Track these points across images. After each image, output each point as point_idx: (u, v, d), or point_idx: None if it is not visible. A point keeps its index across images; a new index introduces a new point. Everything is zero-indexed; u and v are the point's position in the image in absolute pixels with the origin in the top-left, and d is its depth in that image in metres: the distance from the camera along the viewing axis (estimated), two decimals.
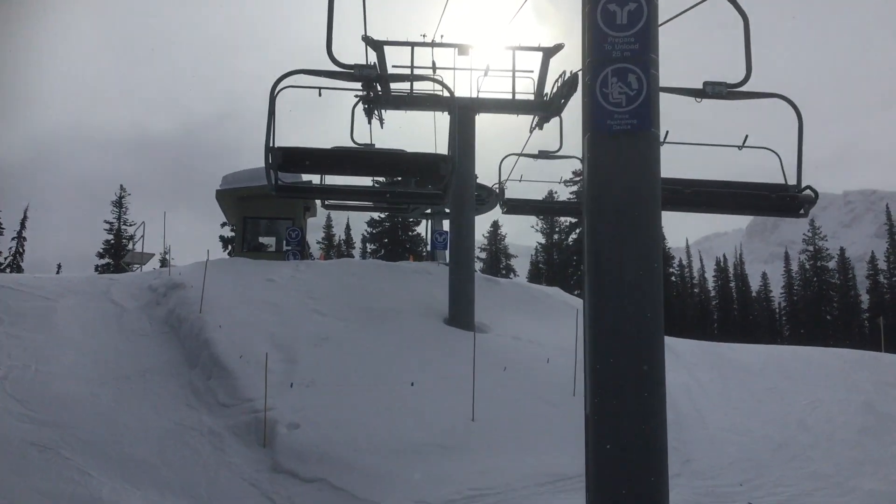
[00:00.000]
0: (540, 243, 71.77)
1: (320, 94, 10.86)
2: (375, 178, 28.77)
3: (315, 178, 15.74)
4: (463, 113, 16.10)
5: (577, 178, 66.58)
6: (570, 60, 15.67)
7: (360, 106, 16.33)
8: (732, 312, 76.89)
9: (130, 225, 50.81)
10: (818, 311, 72.36)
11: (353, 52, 13.18)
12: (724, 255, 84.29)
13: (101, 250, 49.03)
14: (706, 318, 75.76)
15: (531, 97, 16.87)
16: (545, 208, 32.24)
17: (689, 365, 18.95)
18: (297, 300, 15.64)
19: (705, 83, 10.57)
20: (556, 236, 72.18)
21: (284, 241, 21.43)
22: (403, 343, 13.76)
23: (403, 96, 16.42)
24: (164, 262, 50.70)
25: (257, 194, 21.81)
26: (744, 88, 10.52)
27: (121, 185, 52.23)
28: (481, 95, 16.69)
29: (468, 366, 12.17)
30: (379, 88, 12.46)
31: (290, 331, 13.79)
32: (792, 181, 11.88)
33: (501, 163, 18.09)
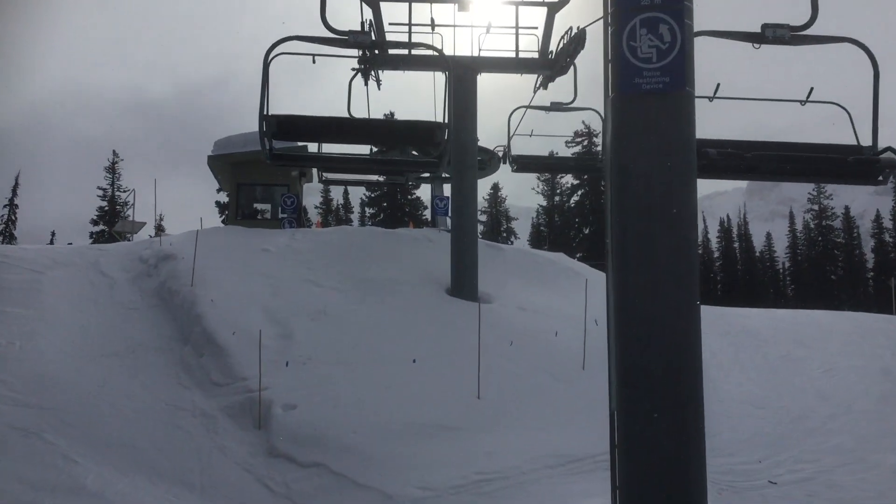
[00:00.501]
0: (541, 205, 71.10)
1: (314, 62, 10.70)
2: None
3: (313, 147, 15.36)
4: (464, 73, 15.40)
5: (580, 139, 65.87)
6: (576, 16, 14.84)
7: (358, 75, 15.68)
8: (736, 273, 76.51)
9: (124, 191, 50.18)
10: (823, 272, 71.99)
11: (349, 17, 12.47)
12: (727, 216, 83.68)
13: (95, 217, 48.43)
14: (709, 279, 75.37)
15: (535, 55, 16.13)
16: (558, 165, 30.40)
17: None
18: (293, 271, 15.08)
19: (765, 25, 9.27)
20: (557, 198, 71.52)
21: (280, 209, 20.80)
22: (404, 316, 13.23)
23: (401, 56, 15.71)
24: (160, 230, 50.30)
25: (251, 160, 21.14)
26: (809, 32, 9.16)
27: (113, 151, 51.46)
28: (483, 54, 15.96)
29: (472, 339, 11.66)
30: (375, 51, 12.04)
31: (286, 304, 13.26)
32: (865, 142, 10.55)
33: (511, 116, 17.58)
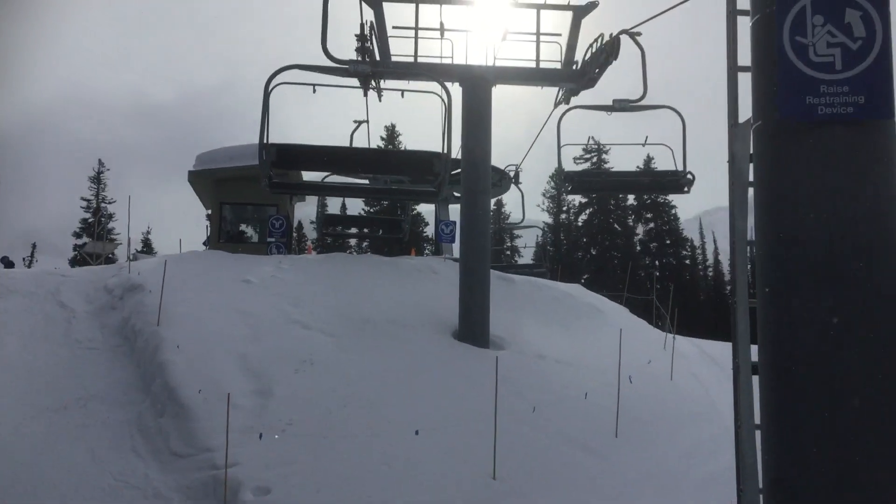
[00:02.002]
0: (546, 223, 69.40)
1: (314, 91, 10.76)
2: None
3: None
4: (477, 84, 13.76)
5: (588, 156, 64.26)
6: (606, 22, 13.22)
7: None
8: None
9: (110, 202, 48.41)
10: None
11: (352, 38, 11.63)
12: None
13: (78, 230, 46.50)
14: (723, 302, 73.50)
15: (558, 66, 14.48)
16: (628, 184, 21.52)
17: (728, 372, 16.77)
18: (277, 308, 13.35)
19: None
20: (563, 216, 69.88)
21: (268, 231, 19.06)
22: (406, 368, 11.47)
23: (406, 65, 14.09)
24: (145, 247, 48.44)
25: (236, 176, 19.51)
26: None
27: (99, 160, 49.72)
28: (498, 63, 14.32)
29: (485, 399, 9.92)
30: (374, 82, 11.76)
31: (266, 350, 11.51)
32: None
33: (560, 120, 15.64)
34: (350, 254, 20.47)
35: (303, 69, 10.06)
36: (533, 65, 14.29)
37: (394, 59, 14.17)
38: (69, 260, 44.82)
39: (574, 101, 14.69)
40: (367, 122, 15.39)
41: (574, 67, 14.06)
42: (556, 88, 15.01)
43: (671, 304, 17.56)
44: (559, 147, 15.69)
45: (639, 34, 12.87)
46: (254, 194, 19.97)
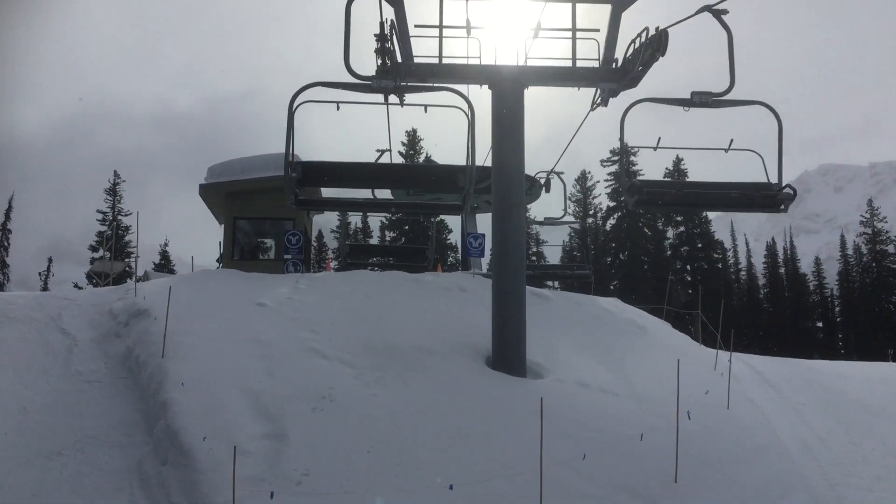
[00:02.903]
0: (573, 227, 68.10)
1: (338, 108, 10.68)
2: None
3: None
4: (508, 87, 12.69)
5: (616, 158, 62.91)
6: (649, 15, 12.06)
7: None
8: (783, 301, 72.84)
9: (126, 215, 47.80)
10: (878, 301, 68.22)
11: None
12: (773, 239, 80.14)
13: (94, 243, 45.83)
14: (757, 307, 71.88)
15: (596, 64, 13.37)
16: (713, 199, 13.60)
17: (790, 400, 15.55)
18: (293, 335, 12.33)
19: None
20: (590, 220, 68.60)
21: (284, 247, 18.05)
22: (435, 404, 10.37)
23: (429, 67, 13.07)
24: (163, 265, 47.68)
25: (250, 189, 18.59)
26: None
27: (115, 171, 49.14)
28: (529, 62, 13.24)
29: (526, 440, 8.90)
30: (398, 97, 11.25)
31: (280, 385, 10.47)
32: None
33: (625, 115, 12.22)
34: (372, 270, 19.40)
35: (326, 86, 10.08)
36: (568, 63, 13.19)
37: (416, 60, 13.15)
38: (86, 273, 44.26)
39: (629, 95, 13.38)
40: (390, 150, 14.80)
41: (614, 65, 12.94)
42: (593, 89, 13.90)
43: (721, 320, 16.34)
44: (623, 151, 13.36)
45: (725, 12, 11.27)
46: (269, 208, 19.05)
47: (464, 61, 13.18)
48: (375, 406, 10.12)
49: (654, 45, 11.35)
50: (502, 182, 12.47)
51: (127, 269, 21.93)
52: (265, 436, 9.22)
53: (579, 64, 13.27)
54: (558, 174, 20.86)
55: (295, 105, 10.07)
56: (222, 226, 19.44)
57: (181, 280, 15.49)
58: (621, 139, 12.39)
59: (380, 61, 12.52)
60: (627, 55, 12.56)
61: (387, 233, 56.55)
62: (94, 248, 45.59)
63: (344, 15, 10.19)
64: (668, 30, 11.02)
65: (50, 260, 49.69)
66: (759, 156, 12.59)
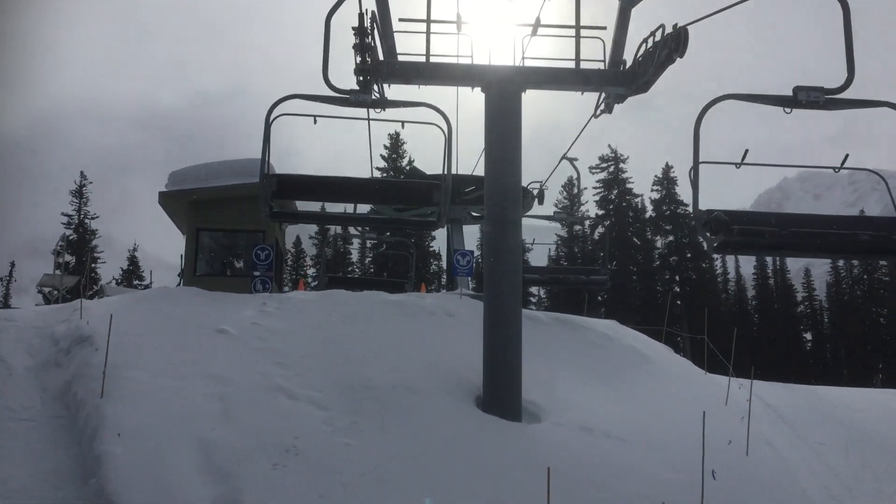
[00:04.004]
0: (559, 235, 66.93)
1: (315, 122, 10.56)
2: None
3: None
4: (505, 89, 11.40)
5: (604, 164, 61.96)
6: (662, 13, 10.74)
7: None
8: (772, 311, 71.99)
9: (92, 218, 45.97)
10: (868, 314, 67.59)
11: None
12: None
13: (59, 247, 43.75)
14: (745, 317, 71.01)
15: (602, 66, 12.11)
16: (833, 242, 9.34)
17: (808, 439, 14.37)
18: (257, 369, 10.93)
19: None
20: (577, 227, 67.44)
21: (252, 263, 16.58)
22: (416, 457, 9.02)
23: (415, 66, 11.79)
24: (132, 271, 45.77)
25: (214, 198, 17.15)
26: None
27: (81, 172, 47.27)
28: (527, 63, 11.98)
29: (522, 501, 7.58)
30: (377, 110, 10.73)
31: (238, 434, 9.08)
32: None
33: (702, 119, 8.79)
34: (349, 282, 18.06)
35: (304, 98, 10.16)
36: (570, 65, 11.93)
37: (401, 58, 11.85)
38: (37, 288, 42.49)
39: (637, 101, 12.15)
40: (371, 162, 14.98)
41: (622, 68, 11.70)
42: (597, 94, 12.66)
43: (734, 346, 15.17)
44: (696, 166, 8.97)
45: None
46: (236, 219, 17.62)
47: (454, 60, 11.90)
48: (347, 460, 8.75)
49: (672, 45, 10.09)
50: (496, 197, 11.17)
51: (90, 283, 20.41)
52: (216, 500, 7.84)
53: (583, 65, 12.01)
54: (570, 160, 18.98)
55: (272, 117, 10.08)
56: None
57: (134, 300, 14.07)
58: (696, 153, 8.88)
59: (359, 58, 11.22)
60: (638, 56, 11.32)
61: (367, 241, 55.11)
62: (57, 253, 43.64)
63: (324, 26, 9.81)
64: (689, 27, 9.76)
65: (12, 264, 47.83)
66: (883, 179, 10.27)
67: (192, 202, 17.34)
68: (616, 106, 12.53)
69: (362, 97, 10.17)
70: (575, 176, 23.91)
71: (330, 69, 10.08)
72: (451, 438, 9.60)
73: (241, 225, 17.90)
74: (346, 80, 10.75)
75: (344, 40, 10.50)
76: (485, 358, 10.91)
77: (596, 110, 13.21)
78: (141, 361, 10.75)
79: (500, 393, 10.60)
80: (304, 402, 10.08)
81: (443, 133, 10.47)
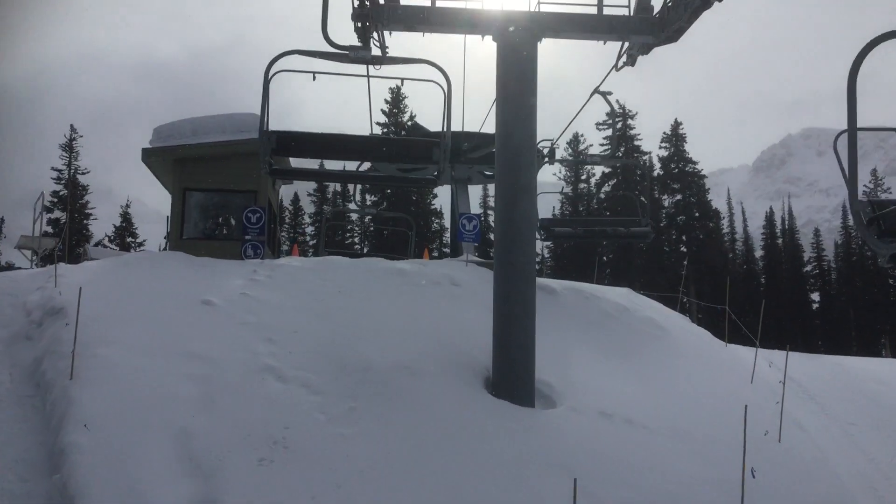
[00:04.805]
0: (564, 194, 65.81)
1: (314, 79, 10.62)
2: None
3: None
4: (518, 38, 10.32)
5: (610, 122, 60.48)
6: None
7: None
8: (781, 274, 71.16)
9: (83, 173, 44.81)
10: (881, 276, 66.71)
11: None
12: (770, 208, 78.22)
13: (48, 203, 42.62)
14: (753, 277, 70.27)
15: (625, 11, 11.00)
16: None
17: (839, 419, 13.57)
18: (244, 346, 10.03)
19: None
20: (582, 185, 66.30)
21: (243, 226, 15.53)
22: (420, 451, 8.15)
23: (419, 10, 10.71)
24: (125, 228, 44.47)
25: (203, 155, 16.09)
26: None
27: (71, 125, 46.02)
28: (543, 8, 10.84)
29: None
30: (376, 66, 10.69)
31: (220, 423, 8.20)
32: None
33: (856, 71, 6.43)
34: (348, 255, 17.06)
35: (302, 54, 10.10)
36: (592, 10, 10.82)
37: (402, 2, 10.73)
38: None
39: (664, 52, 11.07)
40: (371, 118, 14.37)
41: (652, 15, 10.60)
42: (619, 44, 11.58)
43: (762, 318, 14.30)
44: (851, 133, 6.60)
45: None
46: (226, 178, 16.54)
47: (462, 5, 10.79)
48: (343, 455, 7.88)
49: None
50: (509, 158, 10.16)
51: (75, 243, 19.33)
52: (191, 499, 6.99)
53: (605, 11, 10.90)
54: (604, 94, 15.71)
55: (270, 74, 10.04)
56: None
57: (113, 266, 13.12)
58: (851, 116, 6.54)
59: (356, 2, 10.18)
60: (668, 2, 10.24)
61: (367, 196, 54.03)
62: (48, 209, 42.57)
63: None
64: None
65: (1, 220, 46.84)
66: None
67: (178, 160, 16.24)
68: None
69: (361, 53, 10.05)
70: (609, 111, 21.51)
71: (330, 26, 9.97)
72: (458, 429, 8.71)
73: (231, 185, 16.83)
74: (347, 37, 10.50)
75: None
76: (495, 336, 9.99)
77: (618, 62, 12.13)
78: (115, 337, 9.84)
79: (512, 375, 9.69)
80: (295, 385, 9.19)
81: (442, 91, 10.28)
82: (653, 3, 10.79)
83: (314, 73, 10.53)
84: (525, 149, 10.10)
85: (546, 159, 18.24)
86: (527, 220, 10.08)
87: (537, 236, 14.83)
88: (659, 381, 11.57)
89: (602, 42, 11.03)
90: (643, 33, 10.60)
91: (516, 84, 10.27)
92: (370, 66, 10.66)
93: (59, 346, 9.85)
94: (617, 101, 57.95)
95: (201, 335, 10.22)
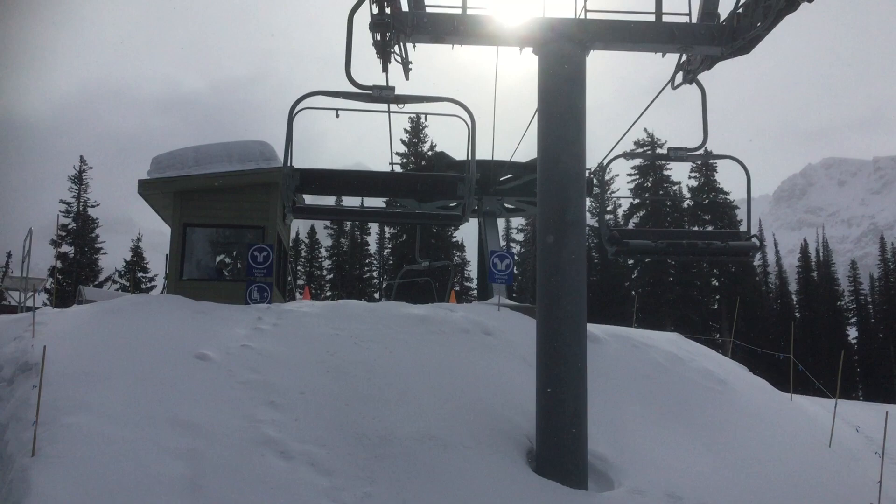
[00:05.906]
0: (589, 226, 64.16)
1: (338, 116, 10.48)
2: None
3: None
4: (564, 51, 8.96)
5: (639, 150, 59.05)
6: None
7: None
8: (817, 309, 68.85)
9: (93, 206, 43.87)
10: None
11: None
12: (805, 240, 76.13)
13: (56, 237, 41.57)
14: (788, 312, 68.00)
15: (686, 19, 9.61)
16: None
17: None
18: (242, 412, 8.60)
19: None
20: (608, 217, 64.66)
21: (248, 266, 14.12)
22: None
23: (447, 18, 9.41)
24: (135, 262, 43.40)
25: (205, 187, 14.77)
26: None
27: (80, 157, 45.13)
28: (590, 16, 9.48)
29: None
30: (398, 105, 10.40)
31: None
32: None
33: None
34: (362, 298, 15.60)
35: (327, 95, 10.11)
36: (651, 18, 9.45)
37: (429, 10, 9.43)
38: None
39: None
40: (391, 158, 13.97)
41: (719, 22, 9.22)
42: (677, 56, 10.23)
43: (840, 370, 12.78)
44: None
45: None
46: (231, 212, 15.21)
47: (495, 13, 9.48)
48: None
49: None
50: (554, 189, 8.76)
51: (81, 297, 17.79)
52: None
53: (664, 18, 9.53)
54: (698, 83, 12.54)
55: (295, 112, 10.07)
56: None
57: (101, 312, 11.77)
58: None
59: (376, 10, 8.90)
60: (738, 8, 8.88)
61: (386, 230, 52.75)
62: (55, 243, 41.52)
63: (346, 23, 9.48)
64: None
65: (9, 255, 45.98)
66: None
67: (178, 192, 14.90)
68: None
69: (385, 93, 9.91)
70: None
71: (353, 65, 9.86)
72: None
73: (236, 220, 15.51)
74: (370, 67, 10.81)
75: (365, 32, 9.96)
76: (539, 402, 8.49)
77: (673, 79, 10.76)
78: (90, 401, 8.45)
79: (561, 449, 8.16)
80: (300, 463, 7.73)
81: (466, 126, 9.96)
82: (719, 10, 9.41)
83: (337, 109, 10.37)
84: (573, 177, 8.69)
85: (596, 188, 17.28)
86: (576, 263, 8.62)
87: (607, 250, 13.58)
88: (729, 451, 10.02)
89: (661, 55, 9.63)
90: (710, 43, 9.19)
91: (562, 101, 8.90)
92: (392, 105, 10.40)
93: (25, 412, 8.48)
94: (644, 129, 56.63)
95: (192, 397, 8.80)
